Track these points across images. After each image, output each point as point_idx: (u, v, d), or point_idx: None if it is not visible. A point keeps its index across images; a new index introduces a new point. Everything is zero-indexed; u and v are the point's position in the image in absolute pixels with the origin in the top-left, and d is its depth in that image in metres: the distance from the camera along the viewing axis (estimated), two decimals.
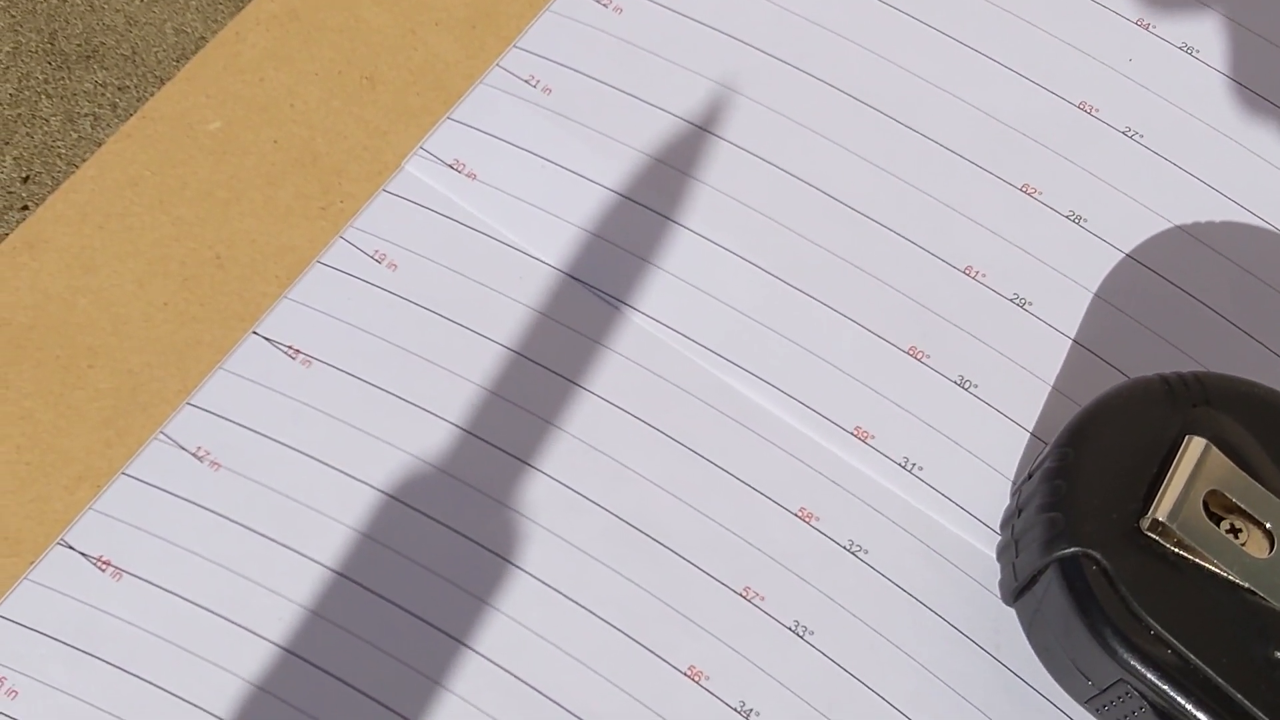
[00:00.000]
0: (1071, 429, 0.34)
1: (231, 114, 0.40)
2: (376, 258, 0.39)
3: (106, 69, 0.46)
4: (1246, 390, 0.34)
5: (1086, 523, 0.32)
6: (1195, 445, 0.33)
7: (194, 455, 0.36)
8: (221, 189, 0.39)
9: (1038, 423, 0.38)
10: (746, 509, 0.37)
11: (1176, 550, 0.32)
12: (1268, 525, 0.32)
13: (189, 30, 0.46)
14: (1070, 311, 0.39)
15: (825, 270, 0.39)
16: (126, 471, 0.36)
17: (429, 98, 0.41)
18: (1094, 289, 0.40)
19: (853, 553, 0.36)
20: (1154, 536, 0.32)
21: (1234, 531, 0.32)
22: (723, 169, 0.40)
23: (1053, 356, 0.39)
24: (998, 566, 0.36)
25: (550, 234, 0.39)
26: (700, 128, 0.41)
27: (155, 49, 0.45)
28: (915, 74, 0.42)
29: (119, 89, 0.46)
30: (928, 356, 0.39)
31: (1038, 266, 0.40)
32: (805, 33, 0.42)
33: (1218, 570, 0.32)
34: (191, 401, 0.37)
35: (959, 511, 0.37)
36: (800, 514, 0.37)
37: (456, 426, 0.37)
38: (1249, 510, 0.32)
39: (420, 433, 0.37)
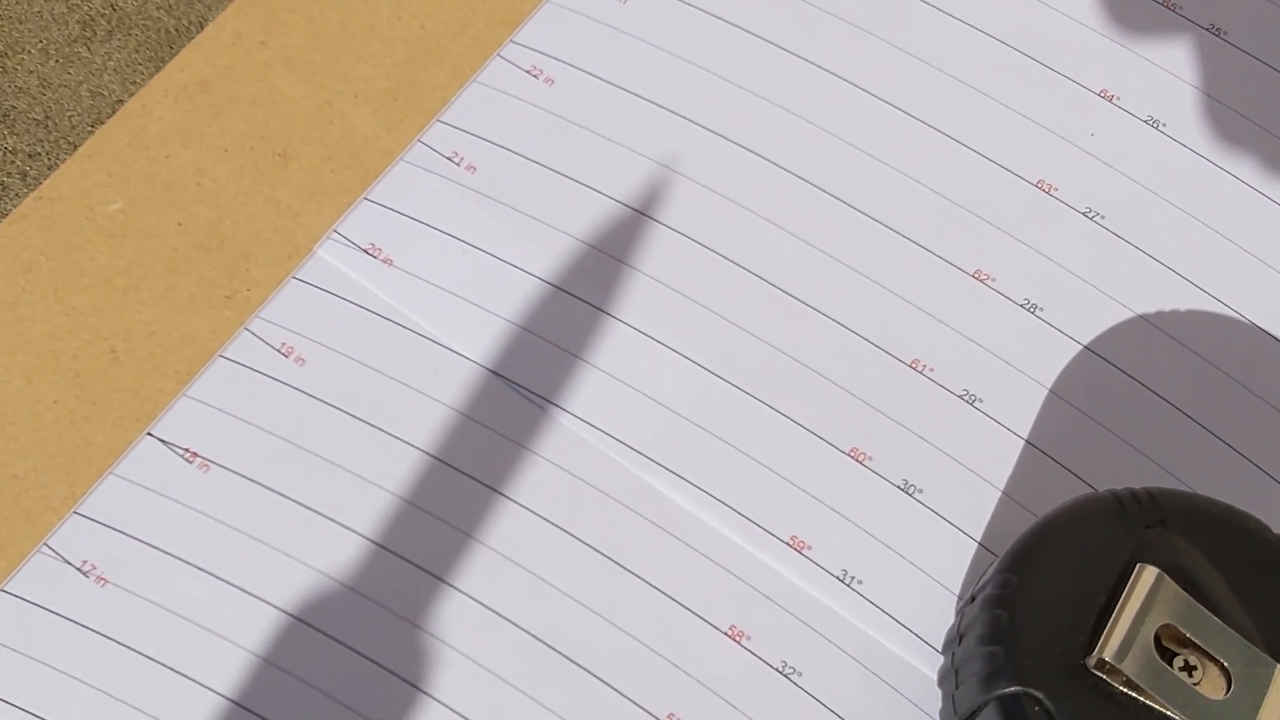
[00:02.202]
0: (1015, 553, 0.31)
1: (134, 194, 0.38)
2: (283, 351, 0.36)
3: (17, 134, 0.43)
4: (1204, 510, 0.32)
5: (1029, 659, 0.30)
6: (1147, 575, 0.30)
7: (79, 570, 0.34)
8: (120, 276, 0.37)
9: (986, 531, 0.35)
10: (673, 627, 0.34)
11: (1125, 690, 0.29)
12: (1224, 663, 0.30)
13: (105, 93, 0.43)
14: (1023, 409, 0.37)
15: (763, 364, 0.37)
16: (5, 588, 0.33)
17: (345, 176, 0.38)
18: (1049, 384, 0.37)
19: (785, 675, 0.34)
20: (1101, 675, 0.29)
21: (1188, 669, 0.30)
22: (657, 255, 0.38)
23: (1003, 459, 0.36)
24: (939, 692, 0.33)
25: (471, 326, 0.37)
26: (635, 210, 0.38)
27: (70, 113, 0.43)
28: (863, 150, 0.40)
29: (29, 156, 0.43)
30: (870, 459, 0.36)
31: (989, 360, 0.37)
32: (747, 106, 0.40)
33: (1169, 713, 0.29)
34: (79, 510, 0.34)
35: (900, 629, 0.34)
36: (730, 633, 0.34)
37: (366, 538, 0.34)
38: (1204, 646, 0.30)
39: (326, 545, 0.34)
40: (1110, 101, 0.41)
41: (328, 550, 0.34)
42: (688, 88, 0.40)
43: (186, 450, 0.35)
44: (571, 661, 0.34)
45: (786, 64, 0.40)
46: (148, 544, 0.34)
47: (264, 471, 0.35)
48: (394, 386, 0.36)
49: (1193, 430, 0.37)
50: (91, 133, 0.41)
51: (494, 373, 0.37)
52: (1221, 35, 0.42)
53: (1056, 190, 0.39)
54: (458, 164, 0.39)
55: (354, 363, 0.37)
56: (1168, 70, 0.41)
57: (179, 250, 0.37)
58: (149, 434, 0.35)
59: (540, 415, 0.36)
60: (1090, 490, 0.33)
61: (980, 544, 0.35)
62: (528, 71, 0.40)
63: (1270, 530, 0.31)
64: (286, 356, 0.36)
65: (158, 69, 0.41)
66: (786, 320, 0.37)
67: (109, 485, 0.35)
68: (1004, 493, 0.36)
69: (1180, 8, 0.42)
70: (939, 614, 0.35)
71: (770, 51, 0.40)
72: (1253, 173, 0.39)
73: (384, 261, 0.38)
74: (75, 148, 0.40)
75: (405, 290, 0.37)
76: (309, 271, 0.37)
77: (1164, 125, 0.40)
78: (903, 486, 0.36)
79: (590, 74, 0.40)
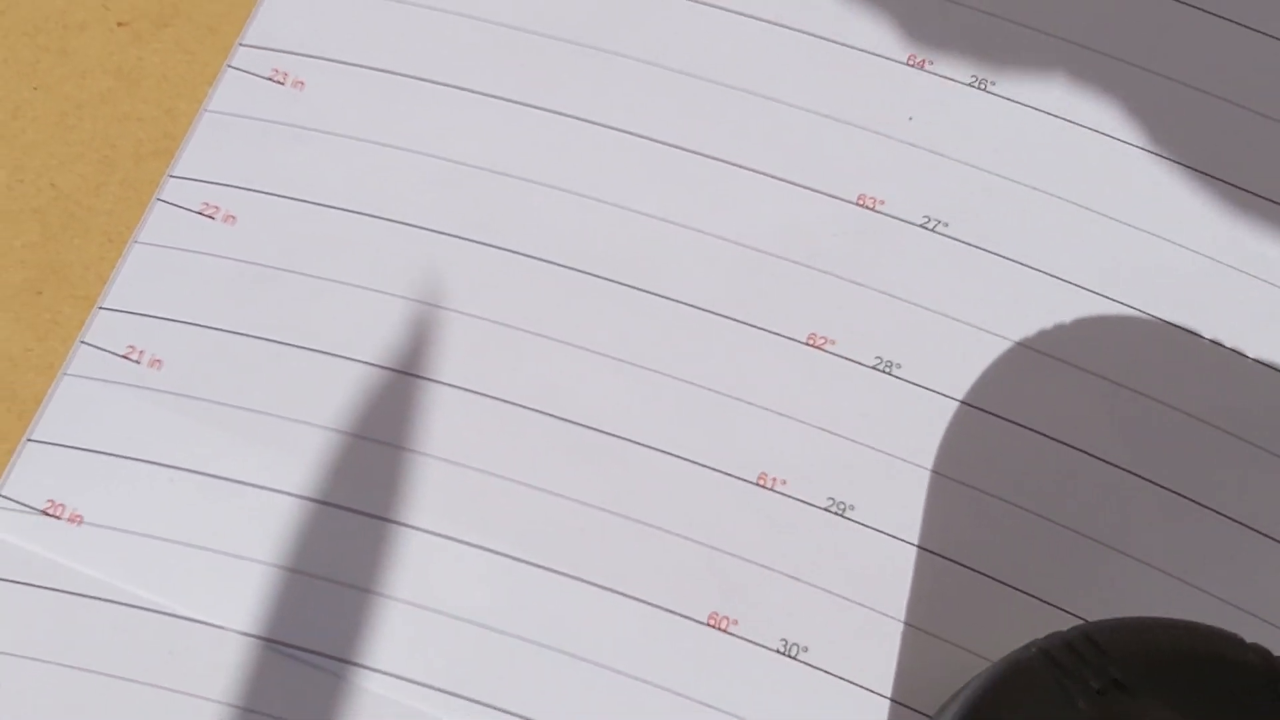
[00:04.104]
0: None
1: None
2: None
3: None
4: (1164, 645, 0.24)
5: None
6: None
7: None
8: None
9: (896, 682, 0.28)
10: None
11: None
12: None
13: None
14: (904, 506, 0.29)
15: (579, 532, 0.29)
16: None
17: None
18: (929, 464, 0.30)
19: None
20: None
21: None
22: (420, 419, 0.30)
23: (895, 578, 0.29)
24: None
25: (209, 581, 0.28)
26: (379, 366, 0.30)
27: None
28: (635, 210, 0.31)
29: None
30: (735, 623, 0.29)
31: (850, 450, 0.29)
32: (478, 188, 0.32)
33: None
34: None
35: None
36: None
37: None
38: None
39: None
40: (923, 69, 0.32)
41: None
42: (404, 183, 0.31)
43: None
44: None
45: (516, 119, 0.31)
46: None
47: None
48: (123, 688, 0.27)
49: (1119, 480, 0.29)
50: None
51: (250, 635, 0.28)
52: None
53: (882, 204, 0.31)
54: (137, 361, 0.30)
55: (61, 669, 0.28)
56: (983, 11, 0.32)
57: None
58: None
59: (328, 682, 0.28)
60: (1014, 651, 0.25)
61: (892, 700, 0.28)
62: (199, 213, 0.31)
63: (1250, 650, 0.24)
64: None
65: None
66: (594, 464, 0.29)
67: None
68: (906, 623, 0.28)
69: None
70: None
71: (488, 108, 0.31)
72: (1119, 121, 0.31)
73: (70, 520, 0.29)
74: None
75: (106, 553, 0.29)
76: None
77: (992, 84, 0.32)
78: (782, 649, 0.28)
79: (278, 196, 0.31)
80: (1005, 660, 0.25)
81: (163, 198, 0.31)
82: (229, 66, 0.32)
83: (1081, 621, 0.27)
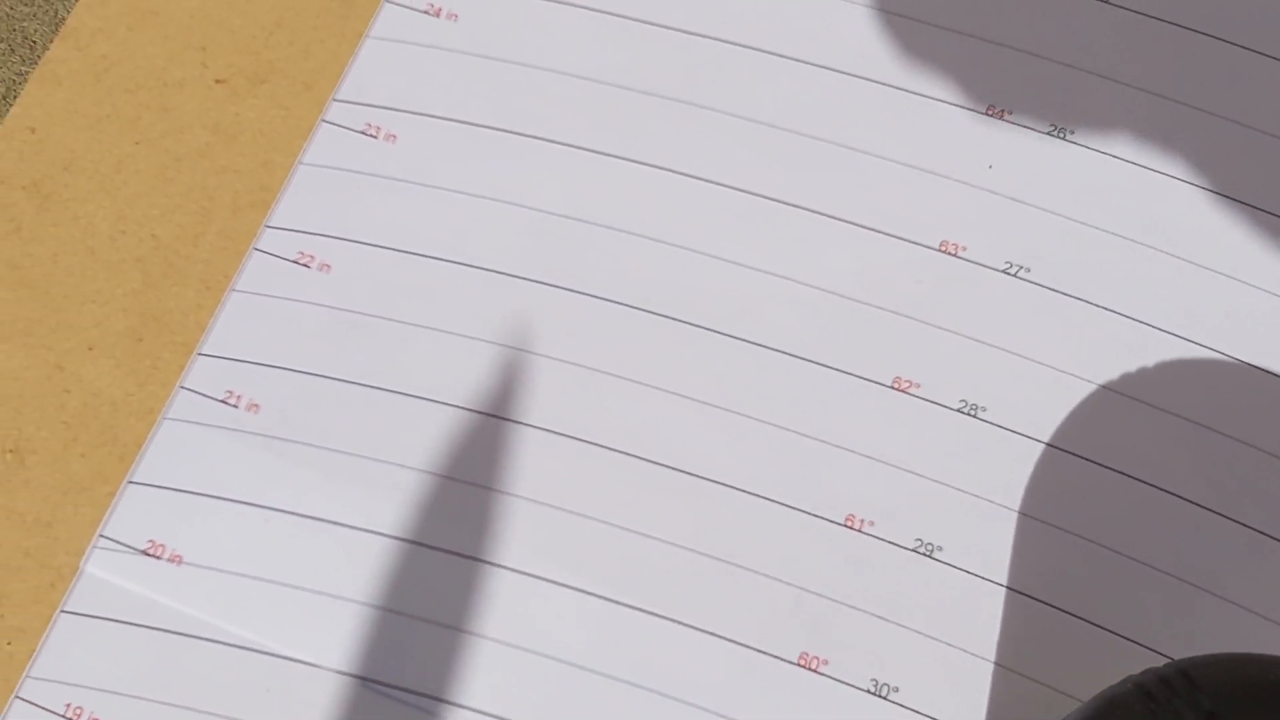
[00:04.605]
0: None
1: None
2: (70, 715, 0.28)
3: None
4: (1259, 679, 0.24)
5: None
6: None
7: None
8: None
9: (989, 718, 0.28)
10: None
11: None
12: None
13: None
14: (992, 546, 0.29)
15: (668, 572, 0.29)
16: None
17: (98, 458, 0.30)
18: (1015, 505, 0.30)
19: None
20: None
21: None
22: (510, 463, 0.30)
23: (985, 618, 0.29)
24: None
25: (303, 619, 0.29)
26: (469, 409, 0.30)
27: None
28: (723, 258, 0.31)
29: None
30: (825, 663, 0.28)
31: (936, 491, 0.30)
32: (569, 238, 0.32)
33: None
34: None
35: None
36: None
37: None
38: None
39: None
40: (1002, 118, 0.33)
41: None
42: (493, 232, 0.32)
43: None
44: None
45: (604, 170, 0.32)
46: None
47: None
48: None
49: (1204, 520, 0.29)
50: None
51: (345, 674, 0.28)
52: (1112, 1, 0.33)
53: (964, 250, 0.32)
54: (235, 406, 0.30)
55: (162, 706, 0.28)
56: (1062, 62, 0.33)
57: None
58: None
59: (414, 716, 0.28)
60: (1109, 686, 0.25)
61: None
62: (294, 261, 0.32)
63: None
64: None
65: None
66: (683, 506, 0.29)
67: None
68: (996, 663, 0.28)
69: None
70: None
71: (575, 158, 0.32)
72: (1194, 166, 0.32)
73: (170, 560, 0.29)
74: None
75: (205, 593, 0.29)
76: (80, 597, 0.29)
77: (1070, 133, 0.32)
78: (873, 689, 0.28)
79: (370, 245, 0.32)
80: (1101, 696, 0.25)
81: (259, 247, 0.32)
82: (323, 121, 0.33)
83: (1168, 660, 0.27)
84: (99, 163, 0.33)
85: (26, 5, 0.36)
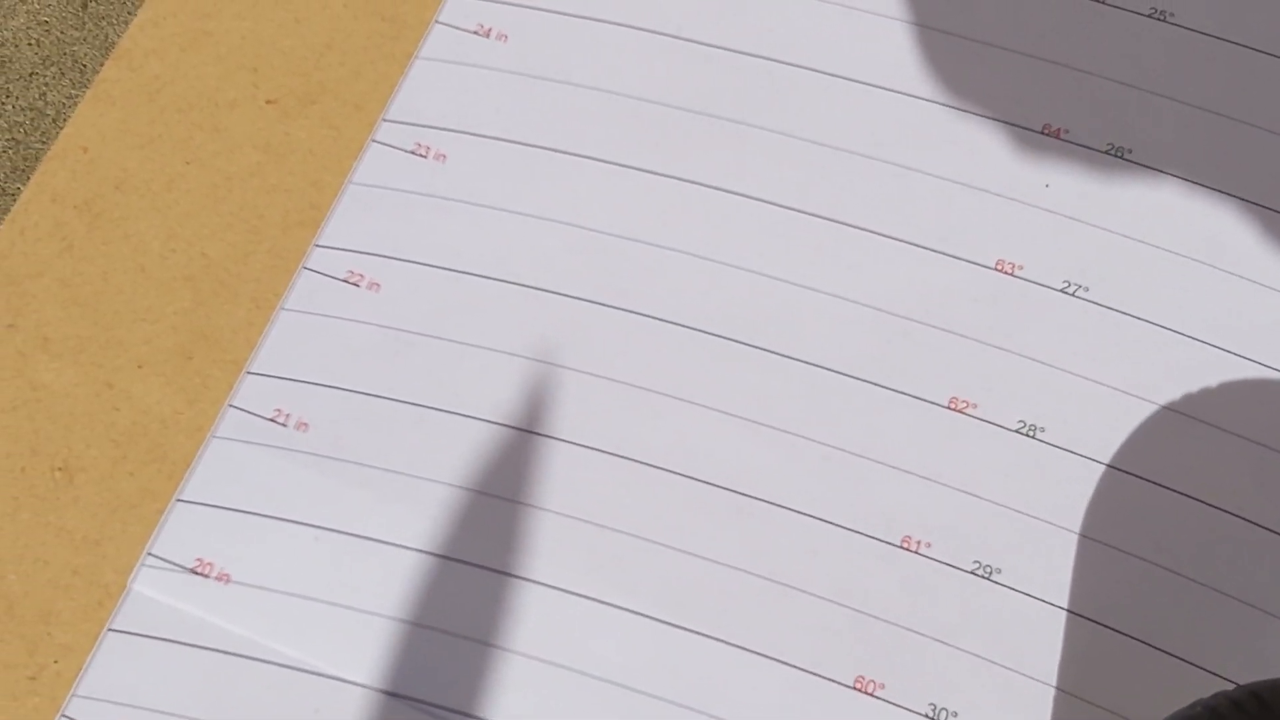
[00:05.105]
0: None
1: None
2: None
3: None
4: None
5: None
6: None
7: None
8: None
9: None
10: None
11: None
12: None
13: None
14: (1053, 568, 0.29)
15: (718, 593, 0.29)
16: None
17: (146, 476, 0.30)
18: (1076, 527, 0.29)
19: None
20: None
21: None
22: (556, 481, 0.30)
23: (1046, 642, 0.28)
24: None
25: (349, 638, 0.29)
26: (516, 428, 0.30)
27: None
28: (774, 276, 0.31)
29: None
30: (881, 687, 0.28)
31: (994, 513, 0.29)
32: (615, 256, 0.32)
33: None
34: None
35: None
36: None
37: None
38: None
39: None
40: (1058, 138, 0.32)
41: None
42: (543, 251, 0.31)
43: None
44: None
45: (654, 189, 0.32)
46: None
47: None
48: None
49: (1268, 542, 0.28)
50: None
51: (393, 694, 0.28)
52: (1168, 19, 0.33)
53: (1021, 269, 0.31)
54: (284, 424, 0.30)
55: None
56: (1120, 81, 0.32)
57: None
58: None
59: None
60: (1180, 710, 0.25)
61: None
62: (344, 280, 0.31)
63: None
64: None
65: None
66: (733, 525, 0.29)
67: None
68: (1058, 688, 0.28)
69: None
70: None
71: (624, 178, 0.32)
72: (1251, 184, 0.31)
73: (218, 579, 0.29)
74: None
75: (253, 612, 0.29)
76: (128, 616, 0.29)
77: (1129, 152, 0.32)
78: (930, 714, 0.28)
79: (421, 264, 0.31)
80: (1172, 718, 0.24)
81: (309, 266, 0.32)
82: (373, 141, 0.33)
83: (1234, 685, 0.26)
84: (150, 182, 0.33)
85: (77, 29, 0.36)
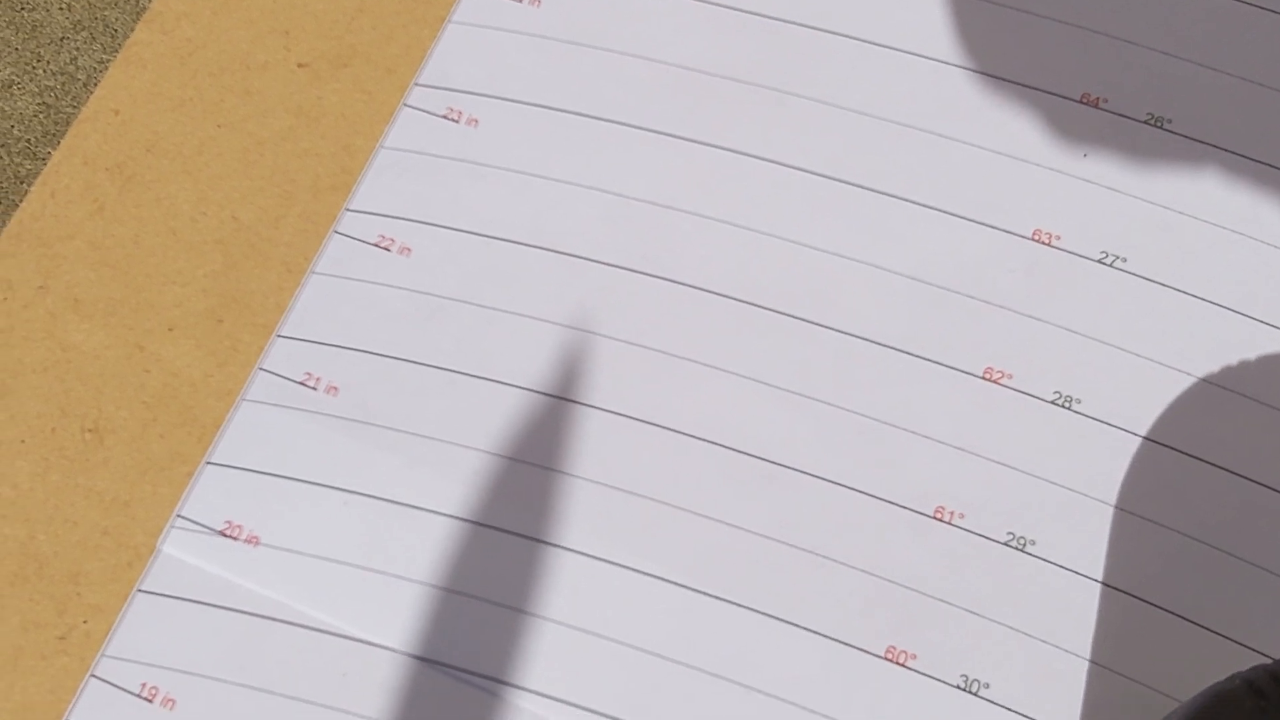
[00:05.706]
0: None
1: None
2: (146, 696, 0.28)
3: None
4: None
5: None
6: None
7: None
8: None
9: (1083, 718, 0.27)
10: None
11: None
12: None
13: None
14: (1088, 540, 0.28)
15: (749, 560, 0.28)
16: None
17: (176, 439, 0.30)
18: (1111, 499, 0.29)
19: None
20: None
21: None
22: (586, 447, 0.30)
23: (1080, 614, 0.28)
24: None
25: (378, 603, 0.28)
26: (548, 394, 0.30)
27: None
28: (809, 245, 0.31)
29: None
30: (914, 657, 0.28)
31: (1029, 484, 0.29)
32: (651, 223, 0.32)
33: None
34: None
35: None
36: None
37: None
38: None
39: None
40: (1097, 107, 0.32)
41: None
42: (575, 217, 0.31)
43: None
44: None
45: (688, 156, 0.32)
46: None
47: None
48: (296, 708, 0.27)
49: None
50: None
51: (421, 658, 0.28)
52: None
53: (1059, 239, 0.31)
54: (313, 388, 0.30)
55: (234, 687, 0.28)
56: (1160, 50, 0.32)
57: None
58: None
59: (490, 702, 0.27)
60: (1217, 682, 0.24)
61: None
62: (375, 245, 0.31)
63: None
64: (150, 701, 0.28)
65: None
66: (766, 494, 0.29)
67: None
68: (1092, 661, 0.27)
69: None
70: None
71: (659, 145, 0.32)
72: None
73: (247, 541, 0.29)
74: None
75: (282, 574, 0.29)
76: (156, 577, 0.29)
77: (1169, 122, 0.31)
78: (962, 685, 0.27)
79: (452, 229, 0.31)
80: (1208, 691, 0.24)
81: (340, 230, 0.32)
82: (405, 105, 0.33)
83: (1272, 659, 0.26)
84: (182, 145, 0.33)
85: None
